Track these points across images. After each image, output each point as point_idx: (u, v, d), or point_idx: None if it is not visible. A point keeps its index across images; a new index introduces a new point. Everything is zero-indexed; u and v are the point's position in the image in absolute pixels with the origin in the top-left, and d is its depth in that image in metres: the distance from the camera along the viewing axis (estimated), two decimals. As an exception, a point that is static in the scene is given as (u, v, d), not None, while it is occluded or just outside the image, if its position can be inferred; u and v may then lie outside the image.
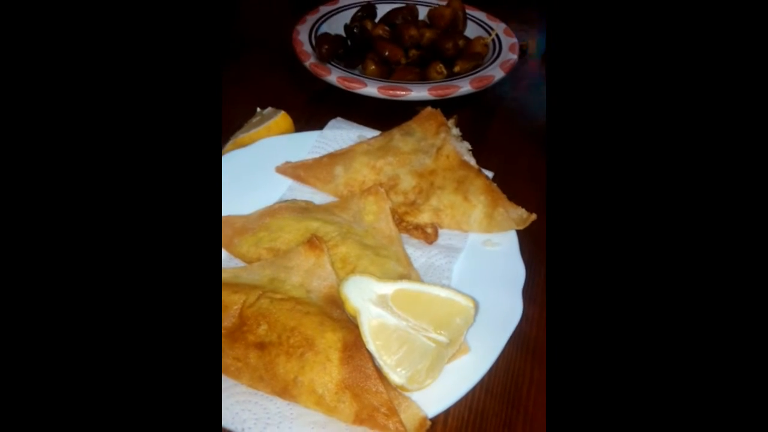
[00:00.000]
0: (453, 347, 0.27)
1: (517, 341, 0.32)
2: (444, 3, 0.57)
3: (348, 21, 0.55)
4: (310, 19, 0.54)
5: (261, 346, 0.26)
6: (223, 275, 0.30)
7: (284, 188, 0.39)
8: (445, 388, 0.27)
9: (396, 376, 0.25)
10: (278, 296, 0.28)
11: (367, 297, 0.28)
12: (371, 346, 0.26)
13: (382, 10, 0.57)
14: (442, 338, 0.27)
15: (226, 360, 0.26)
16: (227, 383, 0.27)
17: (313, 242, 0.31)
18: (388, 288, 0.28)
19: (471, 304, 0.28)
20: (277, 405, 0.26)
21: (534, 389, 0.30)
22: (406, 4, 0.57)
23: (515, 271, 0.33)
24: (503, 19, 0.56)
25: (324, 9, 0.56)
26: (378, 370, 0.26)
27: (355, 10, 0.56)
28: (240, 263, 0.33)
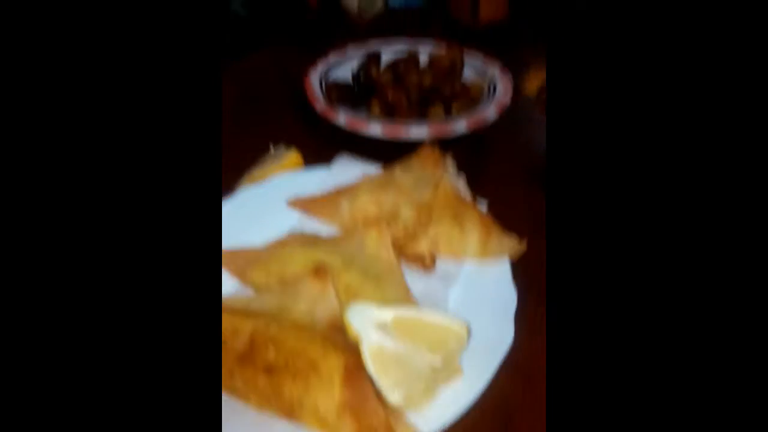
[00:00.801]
0: (447, 369, 0.29)
1: (510, 365, 0.33)
2: (443, 49, 0.62)
3: (355, 67, 0.60)
4: (321, 65, 0.60)
5: (269, 369, 0.28)
6: (236, 303, 0.33)
7: (294, 220, 0.42)
8: (440, 410, 0.28)
9: (393, 397, 0.27)
10: (286, 323, 0.30)
11: (367, 323, 0.30)
12: (371, 368, 0.28)
13: (386, 55, 0.62)
14: (437, 361, 0.29)
15: (237, 382, 0.28)
16: (237, 406, 0.28)
17: (318, 272, 0.33)
18: (388, 314, 0.30)
19: (464, 329, 0.30)
20: (282, 425, 0.28)
21: (526, 412, 0.31)
22: (409, 51, 0.62)
23: (507, 298, 0.35)
24: (500, 59, 0.61)
25: (333, 56, 0.62)
26: (377, 392, 0.27)
27: (361, 56, 0.61)
28: (251, 292, 0.36)
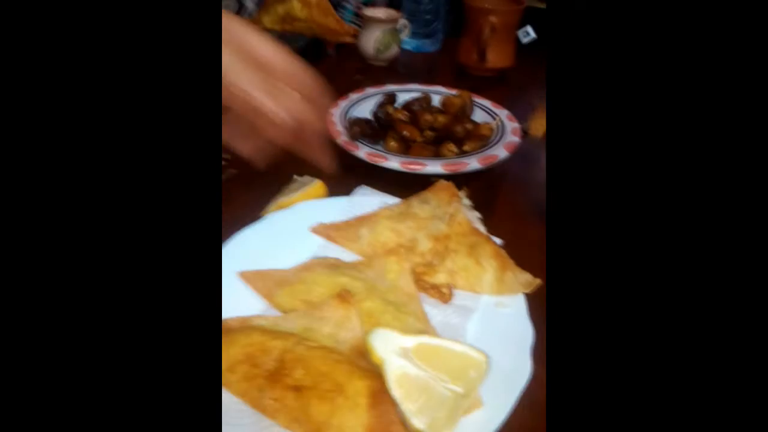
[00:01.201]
0: (468, 398, 0.29)
1: (528, 400, 0.33)
2: (454, 92, 0.66)
3: (373, 106, 0.64)
4: (342, 104, 0.64)
5: (297, 388, 0.28)
6: (264, 322, 0.34)
7: (316, 246, 0.43)
8: (460, 442, 0.29)
9: (417, 422, 0.27)
10: (313, 344, 0.31)
11: (390, 349, 0.31)
12: (395, 393, 0.28)
13: (401, 97, 0.66)
14: (458, 389, 0.29)
15: (266, 400, 0.28)
16: (264, 422, 0.29)
17: (343, 297, 0.34)
18: (410, 341, 0.31)
19: (483, 358, 0.31)
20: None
21: (546, 448, 0.31)
22: (423, 93, 0.67)
23: (524, 332, 0.36)
24: (507, 104, 0.65)
25: (353, 96, 0.66)
26: (401, 417, 0.28)
27: (379, 97, 0.66)
28: (277, 313, 0.37)
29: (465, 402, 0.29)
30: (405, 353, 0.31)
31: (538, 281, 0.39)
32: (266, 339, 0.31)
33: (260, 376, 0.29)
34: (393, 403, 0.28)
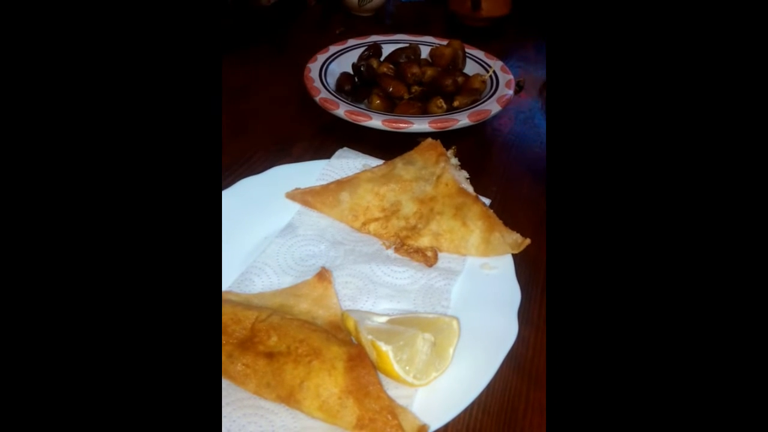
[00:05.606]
0: (443, 356, 0.30)
1: (514, 363, 0.33)
2: (445, 43, 0.62)
3: (355, 59, 0.60)
4: (321, 57, 0.60)
5: (270, 355, 0.28)
6: (234, 298, 0.33)
7: (293, 212, 0.42)
8: (442, 405, 0.29)
9: (402, 371, 0.28)
10: (287, 316, 0.31)
11: (365, 317, 0.31)
12: (369, 336, 0.28)
13: (387, 49, 0.62)
14: (429, 336, 0.30)
15: (236, 366, 0.29)
16: (235, 396, 0.29)
17: (322, 275, 0.34)
18: (383, 317, 0.32)
19: (454, 320, 0.31)
20: (281, 418, 0.28)
21: (530, 410, 0.32)
22: (410, 44, 0.63)
23: (511, 294, 0.36)
24: (501, 57, 0.62)
25: (333, 48, 0.62)
26: (379, 381, 0.28)
27: (362, 49, 0.62)
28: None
29: (439, 357, 0.29)
30: (378, 321, 0.30)
31: (527, 241, 0.39)
32: (238, 310, 0.31)
33: (231, 344, 0.29)
34: (372, 366, 0.28)
